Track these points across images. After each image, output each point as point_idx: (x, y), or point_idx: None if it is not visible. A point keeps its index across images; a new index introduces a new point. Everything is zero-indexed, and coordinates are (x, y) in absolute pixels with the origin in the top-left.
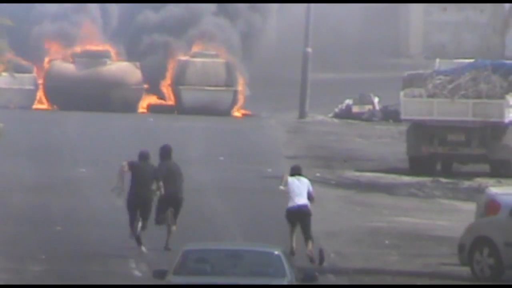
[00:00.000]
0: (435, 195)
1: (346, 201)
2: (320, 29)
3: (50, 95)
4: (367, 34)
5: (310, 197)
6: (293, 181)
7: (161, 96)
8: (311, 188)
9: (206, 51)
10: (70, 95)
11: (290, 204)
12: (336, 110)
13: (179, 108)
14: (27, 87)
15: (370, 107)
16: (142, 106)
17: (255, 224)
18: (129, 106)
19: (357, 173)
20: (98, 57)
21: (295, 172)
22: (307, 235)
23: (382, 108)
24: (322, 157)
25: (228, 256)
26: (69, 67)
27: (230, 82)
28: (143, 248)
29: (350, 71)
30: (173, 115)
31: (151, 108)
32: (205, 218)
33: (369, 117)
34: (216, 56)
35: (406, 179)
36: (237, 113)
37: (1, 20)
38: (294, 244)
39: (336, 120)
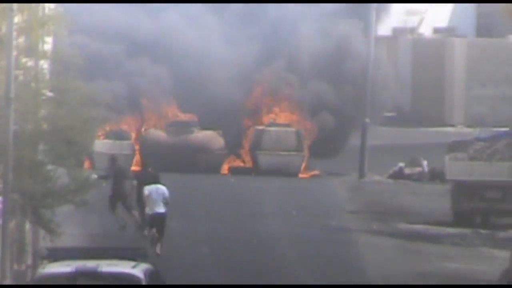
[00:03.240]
0: (475, 244)
1: (399, 249)
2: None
3: (145, 159)
4: (417, 106)
5: (166, 202)
6: (151, 190)
7: (240, 159)
8: (166, 194)
9: (279, 122)
10: (162, 159)
11: (149, 211)
12: (391, 171)
13: (256, 170)
14: (125, 152)
15: (420, 169)
16: (224, 168)
17: (321, 271)
18: (213, 169)
19: (409, 225)
20: (186, 126)
21: (153, 180)
22: (160, 237)
23: (430, 170)
24: (379, 212)
25: None
26: (161, 135)
27: (299, 148)
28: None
29: (403, 138)
30: (251, 176)
31: (232, 170)
32: (277, 265)
33: (419, 178)
34: (288, 126)
35: (451, 230)
36: (304, 174)
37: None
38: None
39: (390, 180)
